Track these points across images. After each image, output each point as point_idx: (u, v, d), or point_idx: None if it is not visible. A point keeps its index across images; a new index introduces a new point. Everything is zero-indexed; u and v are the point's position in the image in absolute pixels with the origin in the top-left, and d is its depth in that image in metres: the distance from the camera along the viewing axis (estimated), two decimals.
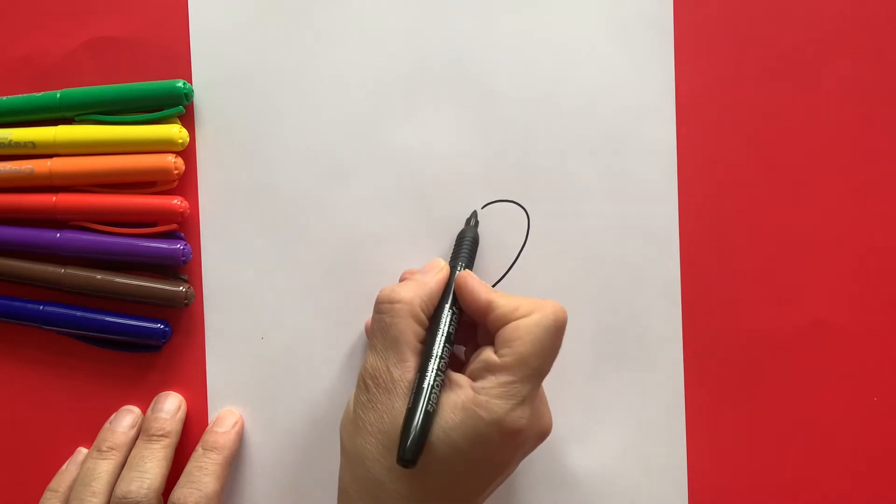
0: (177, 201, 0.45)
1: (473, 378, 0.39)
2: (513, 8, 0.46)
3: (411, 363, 0.39)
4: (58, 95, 0.46)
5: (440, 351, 0.40)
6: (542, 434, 0.41)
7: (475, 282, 0.42)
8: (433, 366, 0.39)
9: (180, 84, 0.45)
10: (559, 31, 0.46)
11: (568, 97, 0.46)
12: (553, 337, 0.39)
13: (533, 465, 0.45)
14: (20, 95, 0.46)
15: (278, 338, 0.46)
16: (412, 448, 0.37)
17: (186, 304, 0.46)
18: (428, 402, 0.38)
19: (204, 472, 0.43)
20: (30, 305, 0.46)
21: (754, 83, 0.46)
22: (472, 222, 0.45)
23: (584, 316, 0.46)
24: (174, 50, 0.46)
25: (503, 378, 0.38)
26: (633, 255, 0.46)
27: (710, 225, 0.46)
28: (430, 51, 0.46)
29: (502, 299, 0.40)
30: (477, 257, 0.46)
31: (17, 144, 0.46)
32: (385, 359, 0.40)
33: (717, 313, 0.46)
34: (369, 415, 0.39)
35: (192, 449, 0.45)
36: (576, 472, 0.45)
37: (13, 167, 0.46)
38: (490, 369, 0.39)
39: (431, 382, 0.38)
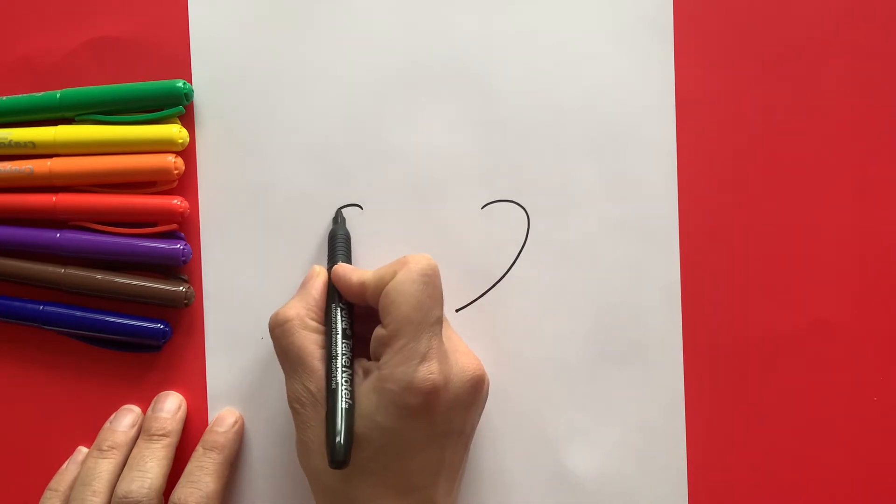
0: (177, 201, 0.45)
1: (376, 358, 0.40)
2: (513, 8, 0.46)
3: (321, 372, 0.40)
4: (58, 95, 0.46)
5: (340, 349, 0.40)
6: (471, 381, 0.40)
7: (346, 269, 0.43)
8: (337, 365, 0.40)
9: (180, 84, 0.45)
10: (559, 32, 0.46)
11: (568, 97, 0.46)
12: (423, 285, 0.40)
13: (533, 465, 0.45)
14: (20, 95, 0.46)
15: None
16: (340, 448, 0.38)
17: (186, 304, 0.46)
18: (342, 400, 0.39)
19: (204, 471, 0.43)
20: (30, 305, 0.46)
21: (754, 83, 0.46)
22: (339, 220, 0.45)
23: (584, 316, 0.46)
24: (174, 50, 0.46)
25: (396, 345, 0.39)
26: (633, 255, 0.46)
27: (710, 225, 0.46)
28: (430, 51, 0.46)
29: (369, 274, 0.41)
30: (477, 257, 0.46)
31: (17, 144, 0.46)
32: (298, 378, 0.41)
33: (717, 313, 0.46)
34: (308, 434, 0.40)
35: (193, 449, 0.45)
36: (576, 472, 0.45)
37: (13, 167, 0.46)
38: (383, 343, 0.40)
39: (339, 381, 0.39)
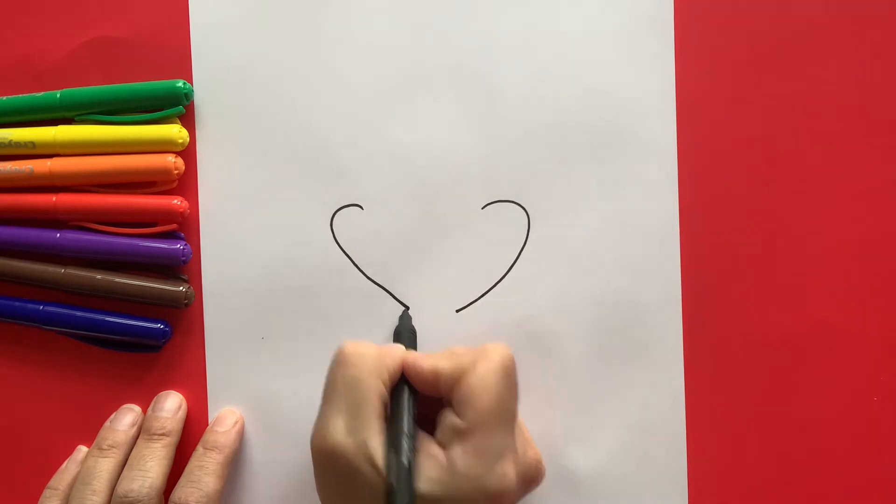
0: (177, 201, 0.45)
1: (444, 445, 0.39)
2: (513, 8, 0.46)
3: (376, 428, 0.38)
4: (58, 95, 0.46)
5: (410, 429, 0.38)
6: (535, 477, 0.40)
7: (416, 356, 0.41)
8: (408, 445, 0.38)
9: (180, 84, 0.45)
10: (559, 31, 0.46)
11: (568, 97, 0.46)
12: (505, 379, 0.39)
13: None
14: (20, 95, 0.46)
15: (278, 338, 0.46)
16: None
17: (186, 304, 0.46)
18: (411, 477, 0.37)
19: (205, 471, 0.43)
20: (30, 305, 0.46)
21: (754, 83, 0.46)
22: (405, 317, 0.45)
23: (584, 316, 0.46)
24: (174, 50, 0.46)
25: (472, 440, 0.38)
26: (633, 255, 0.46)
27: (710, 225, 0.46)
28: (430, 50, 0.46)
29: (444, 361, 0.40)
30: (477, 257, 0.46)
31: (17, 144, 0.46)
32: (346, 417, 0.38)
33: (717, 313, 0.46)
34: (334, 480, 0.38)
35: (192, 449, 0.45)
36: (576, 472, 0.45)
37: (13, 167, 0.46)
38: (457, 434, 0.38)
39: (410, 457, 0.37)
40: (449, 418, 0.39)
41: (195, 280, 0.46)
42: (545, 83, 0.46)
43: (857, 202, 0.46)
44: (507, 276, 0.46)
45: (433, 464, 0.38)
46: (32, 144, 0.46)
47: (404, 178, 0.46)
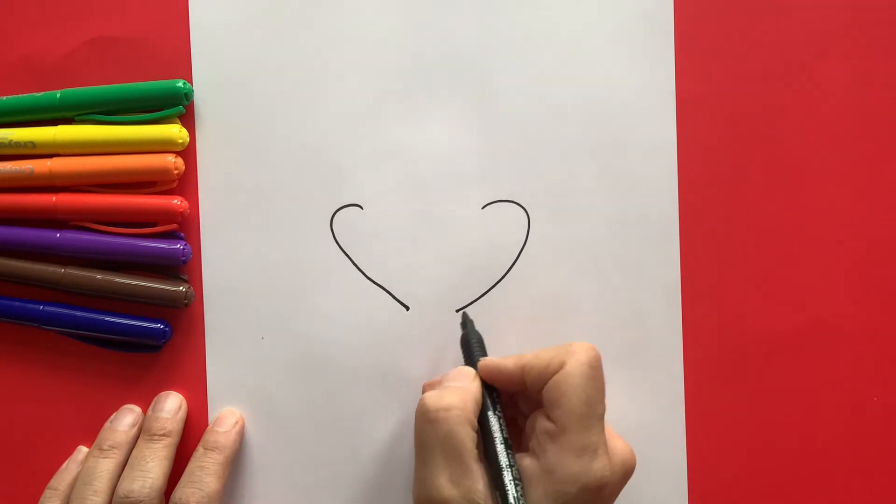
0: (177, 201, 0.45)
1: (538, 453, 0.39)
2: (513, 7, 0.46)
3: (477, 473, 0.39)
4: (58, 95, 0.46)
5: (508, 459, 0.39)
6: (629, 470, 0.40)
7: (497, 360, 0.42)
8: (509, 477, 0.38)
9: (180, 84, 0.45)
10: (559, 31, 0.46)
11: (568, 97, 0.46)
12: (593, 377, 0.39)
13: None
14: (20, 95, 0.46)
15: (278, 338, 0.46)
16: None
17: (186, 304, 0.46)
18: None
19: (205, 471, 0.43)
20: (30, 305, 0.46)
21: (754, 83, 0.46)
22: (468, 325, 0.44)
23: (584, 316, 0.46)
24: (174, 50, 0.46)
25: (568, 439, 0.38)
26: (633, 255, 0.46)
27: (710, 225, 0.46)
28: (430, 51, 0.46)
29: (527, 357, 0.40)
30: (478, 257, 0.46)
31: (17, 144, 0.46)
32: (445, 473, 0.38)
33: (717, 313, 0.46)
34: None
35: (193, 449, 0.45)
36: None
37: (13, 167, 0.46)
38: (551, 437, 0.39)
39: (515, 494, 0.37)
40: (539, 422, 0.39)
41: (195, 280, 0.46)
42: (545, 83, 0.46)
43: (857, 202, 0.46)
44: (506, 276, 0.46)
45: (536, 481, 0.38)
46: (32, 144, 0.46)
47: (404, 178, 0.46)
